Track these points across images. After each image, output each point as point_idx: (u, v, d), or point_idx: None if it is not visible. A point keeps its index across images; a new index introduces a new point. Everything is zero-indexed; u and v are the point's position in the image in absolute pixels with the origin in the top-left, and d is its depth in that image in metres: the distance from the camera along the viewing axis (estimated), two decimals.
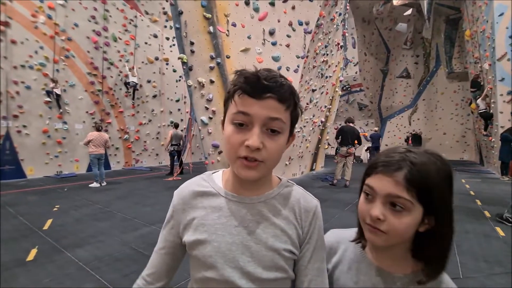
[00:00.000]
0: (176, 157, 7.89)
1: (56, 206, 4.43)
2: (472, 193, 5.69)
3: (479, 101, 8.64)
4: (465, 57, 11.78)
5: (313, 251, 0.60)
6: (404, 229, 0.54)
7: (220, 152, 5.67)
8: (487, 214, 4.14)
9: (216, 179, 0.64)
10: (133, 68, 9.13)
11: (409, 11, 13.01)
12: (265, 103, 0.51)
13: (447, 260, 0.57)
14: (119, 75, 9.10)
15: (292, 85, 0.56)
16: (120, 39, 9.08)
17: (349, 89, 14.66)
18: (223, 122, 0.58)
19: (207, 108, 5.60)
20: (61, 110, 7.65)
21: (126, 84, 9.14)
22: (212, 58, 5.33)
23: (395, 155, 0.56)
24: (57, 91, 7.42)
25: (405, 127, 14.94)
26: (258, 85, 0.51)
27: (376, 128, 12.54)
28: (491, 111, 8.31)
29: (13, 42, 6.76)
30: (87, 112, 8.29)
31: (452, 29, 12.55)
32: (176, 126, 7.98)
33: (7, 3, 6.62)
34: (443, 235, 0.56)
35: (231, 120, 0.54)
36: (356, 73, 13.89)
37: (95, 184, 6.16)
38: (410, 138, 13.69)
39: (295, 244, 0.59)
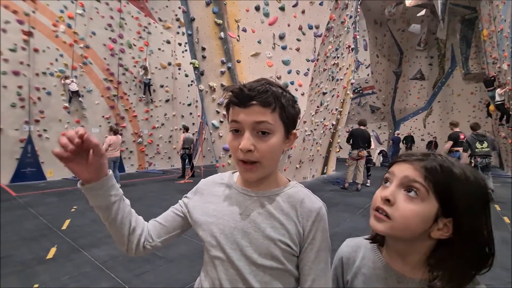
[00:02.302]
0: (187, 160, 8.02)
1: (74, 207, 4.61)
2: None
3: (497, 90, 8.28)
4: (482, 58, 11.40)
5: (317, 252, 0.63)
6: (411, 217, 0.51)
7: (230, 156, 5.73)
8: (506, 220, 3.98)
9: (234, 176, 0.74)
10: (145, 61, 9.38)
11: (423, 12, 12.74)
12: (250, 110, 0.59)
13: (468, 276, 0.52)
14: (133, 80, 9.39)
15: (279, 89, 0.62)
16: (135, 45, 9.38)
17: (361, 91, 14.45)
18: None
19: (218, 112, 5.69)
20: (69, 105, 7.72)
21: (145, 86, 9.42)
22: (223, 63, 5.42)
23: (421, 152, 0.57)
24: (71, 87, 7.51)
25: (419, 129, 14.56)
26: (242, 95, 0.59)
27: (398, 131, 12.32)
28: (511, 112, 7.99)
29: (36, 50, 7.12)
30: (103, 116, 8.58)
31: (468, 29, 12.18)
32: (186, 129, 8.13)
33: (31, 14, 7.00)
34: (460, 247, 0.51)
35: (229, 129, 0.63)
36: (368, 75, 13.67)
37: None
38: (433, 143, 13.03)
39: (293, 239, 0.62)
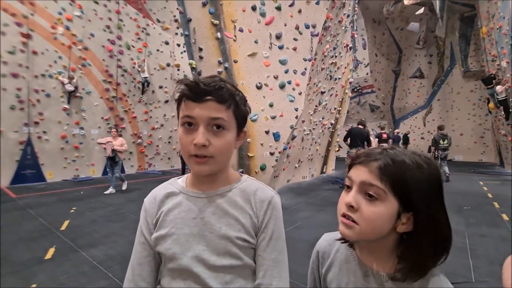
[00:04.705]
0: None
1: (73, 208, 4.62)
2: (490, 195, 5.48)
3: (497, 88, 8.23)
4: (482, 55, 11.38)
5: (269, 241, 0.63)
6: (375, 220, 0.53)
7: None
8: (504, 217, 3.98)
9: (180, 181, 0.71)
10: (143, 63, 9.37)
11: (421, 10, 12.72)
12: (206, 105, 0.58)
13: (430, 265, 0.54)
14: (132, 81, 9.41)
15: (233, 87, 0.62)
16: (133, 47, 9.41)
17: (360, 90, 14.44)
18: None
19: None
20: (68, 106, 7.75)
21: (143, 85, 9.41)
22: (220, 63, 5.43)
23: (376, 150, 0.57)
24: (69, 87, 7.53)
25: (419, 128, 14.55)
26: (198, 90, 0.58)
27: (398, 130, 12.33)
28: (511, 109, 7.97)
29: (34, 52, 7.14)
30: (102, 118, 8.60)
31: (467, 27, 12.17)
32: None
33: (29, 17, 7.03)
34: (421, 238, 0.53)
35: (181, 124, 0.61)
36: (367, 74, 13.66)
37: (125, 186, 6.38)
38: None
39: (249, 233, 0.62)
